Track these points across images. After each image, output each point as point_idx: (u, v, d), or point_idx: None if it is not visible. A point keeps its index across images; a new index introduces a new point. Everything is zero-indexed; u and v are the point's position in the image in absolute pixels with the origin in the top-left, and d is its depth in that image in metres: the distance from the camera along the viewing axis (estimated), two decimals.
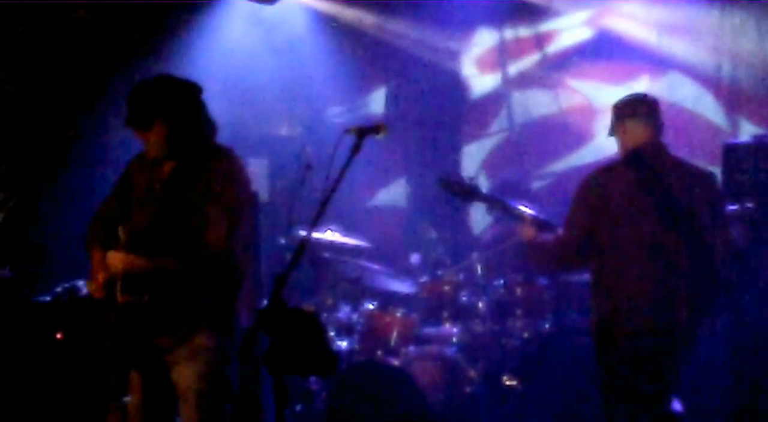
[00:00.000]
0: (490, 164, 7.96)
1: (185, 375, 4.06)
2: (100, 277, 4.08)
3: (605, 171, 4.56)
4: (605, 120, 4.75)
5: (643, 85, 7.10)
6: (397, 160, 8.14)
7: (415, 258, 6.66)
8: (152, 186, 4.11)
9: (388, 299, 6.38)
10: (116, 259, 4.00)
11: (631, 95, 4.73)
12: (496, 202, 4.86)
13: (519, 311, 6.00)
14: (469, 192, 4.89)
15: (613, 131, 4.65)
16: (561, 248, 4.55)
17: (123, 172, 4.27)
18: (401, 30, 8.00)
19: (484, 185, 5.94)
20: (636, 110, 4.55)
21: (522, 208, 5.00)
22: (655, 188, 4.41)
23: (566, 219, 4.56)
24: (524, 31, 7.78)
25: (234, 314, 4.17)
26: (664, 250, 4.35)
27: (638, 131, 4.52)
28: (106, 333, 4.10)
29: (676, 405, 4.46)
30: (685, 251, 4.36)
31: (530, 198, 6.66)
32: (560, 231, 4.62)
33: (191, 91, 4.11)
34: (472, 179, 5.04)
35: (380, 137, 3.76)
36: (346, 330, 6.18)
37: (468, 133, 8.06)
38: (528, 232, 4.70)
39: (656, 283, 4.34)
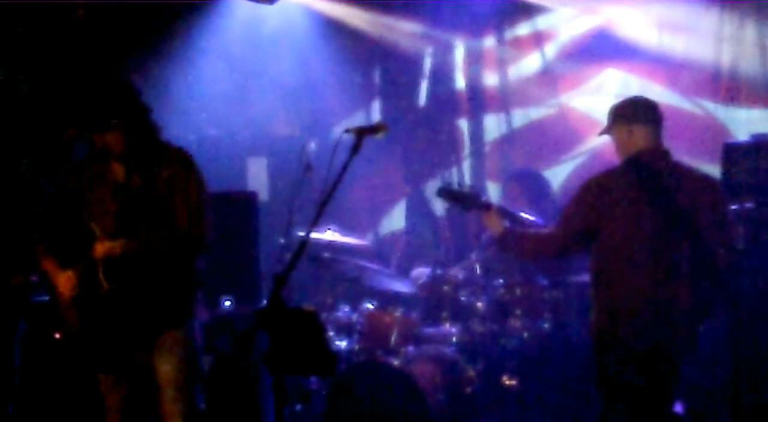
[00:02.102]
0: (488, 162, 7.97)
1: (164, 367, 4.17)
2: (72, 275, 4.17)
3: (607, 176, 4.52)
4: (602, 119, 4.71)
5: (641, 83, 7.11)
6: (397, 159, 8.14)
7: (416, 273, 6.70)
8: (118, 183, 4.22)
9: (387, 299, 6.38)
10: (111, 243, 4.09)
11: (634, 98, 4.65)
12: (497, 209, 4.84)
13: (518, 311, 6.00)
14: (469, 200, 4.88)
15: (609, 131, 4.60)
16: (545, 242, 4.57)
17: (65, 180, 4.41)
18: (400, 28, 7.99)
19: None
20: (639, 114, 4.48)
21: (523, 214, 5.01)
22: (656, 193, 4.37)
23: (560, 217, 4.55)
24: (523, 30, 7.78)
25: (194, 305, 4.30)
26: (665, 254, 4.33)
27: (642, 136, 4.45)
28: (87, 326, 4.20)
29: (677, 407, 4.46)
30: (686, 255, 4.34)
31: (546, 191, 6.70)
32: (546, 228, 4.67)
33: (139, 92, 4.27)
34: (472, 187, 5.03)
35: (380, 137, 3.77)
36: (345, 329, 6.18)
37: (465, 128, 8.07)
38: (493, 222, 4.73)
39: (657, 286, 4.32)
